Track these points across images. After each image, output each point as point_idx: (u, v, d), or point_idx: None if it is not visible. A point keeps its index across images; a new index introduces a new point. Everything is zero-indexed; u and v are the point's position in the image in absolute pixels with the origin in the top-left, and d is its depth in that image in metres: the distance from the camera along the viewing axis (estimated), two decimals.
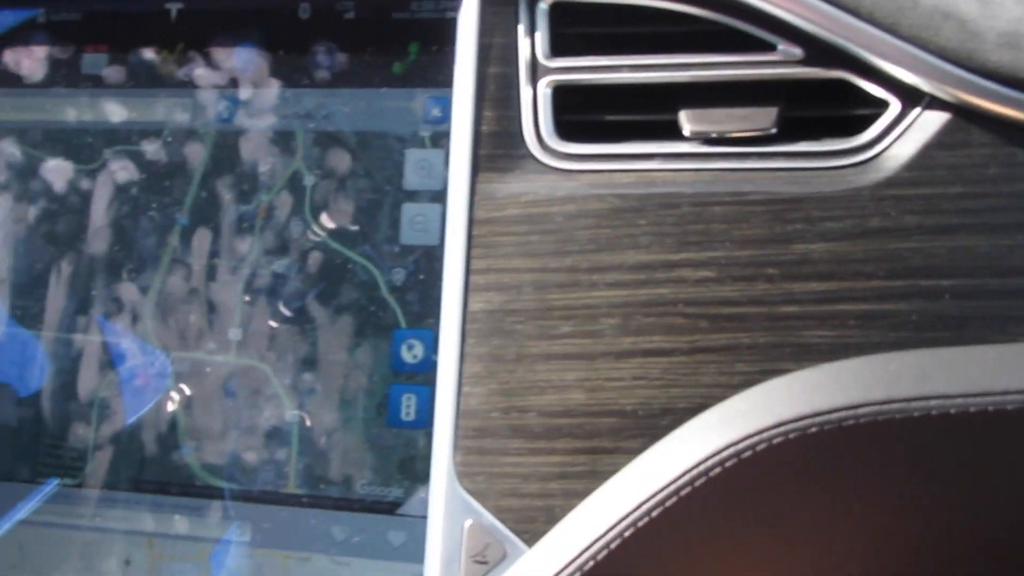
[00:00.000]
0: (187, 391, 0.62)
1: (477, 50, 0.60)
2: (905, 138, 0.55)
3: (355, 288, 0.60)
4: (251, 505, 0.60)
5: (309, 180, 0.62)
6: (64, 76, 0.66)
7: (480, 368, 0.57)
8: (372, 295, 0.60)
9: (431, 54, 0.61)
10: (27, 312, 0.64)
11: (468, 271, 0.58)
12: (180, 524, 0.61)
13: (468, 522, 0.56)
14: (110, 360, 0.63)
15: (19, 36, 0.67)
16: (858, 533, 0.55)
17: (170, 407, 0.62)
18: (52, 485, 0.63)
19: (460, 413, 0.56)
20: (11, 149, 0.66)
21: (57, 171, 0.65)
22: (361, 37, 0.62)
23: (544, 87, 0.59)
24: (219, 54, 0.64)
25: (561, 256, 0.57)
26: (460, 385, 0.57)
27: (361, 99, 0.62)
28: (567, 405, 0.56)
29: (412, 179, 0.61)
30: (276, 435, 0.60)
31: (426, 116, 0.61)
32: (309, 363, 0.61)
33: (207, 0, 0.65)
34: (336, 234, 0.61)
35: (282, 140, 0.62)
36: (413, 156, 0.61)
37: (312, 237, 0.61)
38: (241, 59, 0.64)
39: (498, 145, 0.59)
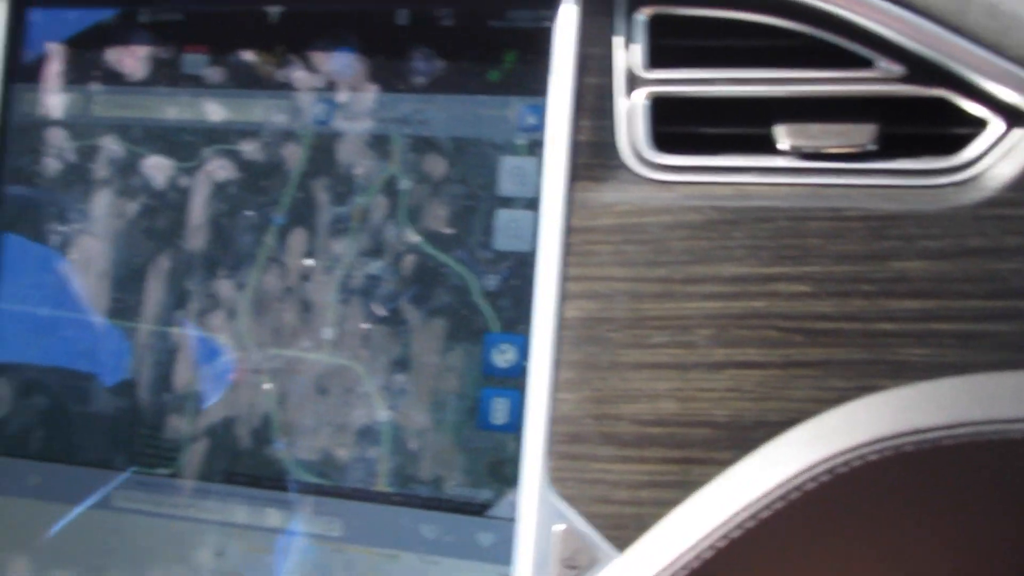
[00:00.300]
0: (280, 387, 0.63)
1: (573, 59, 0.61)
2: (1006, 158, 0.55)
3: (448, 292, 0.61)
4: (342, 501, 0.62)
5: (404, 184, 0.63)
6: (165, 75, 0.67)
7: (573, 375, 0.57)
8: (464, 299, 0.61)
9: (527, 62, 0.62)
10: (125, 305, 0.66)
11: (562, 278, 0.58)
12: (272, 517, 0.62)
13: (559, 527, 0.57)
14: (206, 354, 0.64)
15: (122, 35, 0.68)
16: (950, 554, 0.55)
17: (264, 403, 0.63)
18: (147, 474, 0.65)
19: (553, 418, 0.57)
20: (113, 146, 0.67)
21: (157, 168, 0.67)
22: (457, 44, 0.63)
23: (640, 98, 0.60)
24: (317, 57, 0.65)
25: (655, 266, 0.57)
26: (553, 391, 0.57)
27: (457, 105, 0.63)
28: (659, 414, 0.56)
29: (506, 186, 0.62)
30: (367, 433, 0.62)
31: (521, 124, 0.62)
32: (401, 364, 0.62)
33: (306, 4, 0.66)
34: (430, 238, 0.62)
35: (378, 144, 0.63)
36: (507, 163, 0.62)
37: (406, 240, 0.62)
38: (339, 63, 0.65)
39: (593, 154, 0.60)
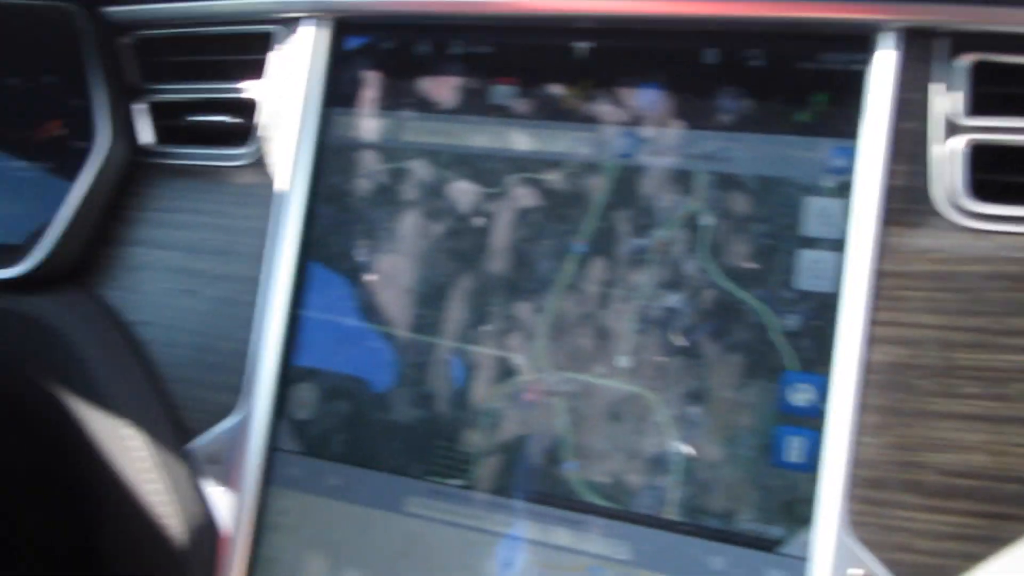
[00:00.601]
0: (573, 410, 0.65)
1: (889, 104, 0.61)
2: None
3: (746, 328, 0.62)
4: (631, 526, 0.63)
5: (706, 219, 0.64)
6: (472, 105, 0.71)
7: (877, 419, 0.57)
8: (762, 336, 0.62)
9: (836, 104, 0.62)
10: (427, 322, 0.69)
11: (870, 322, 0.58)
12: (561, 535, 0.64)
13: (856, 571, 0.56)
14: (502, 373, 0.67)
15: (432, 65, 0.72)
16: None
17: (556, 424, 0.65)
18: (440, 484, 0.68)
19: (855, 462, 0.57)
20: (422, 170, 0.71)
21: (462, 193, 0.70)
22: (766, 84, 0.64)
23: (959, 145, 0.59)
24: (623, 92, 0.67)
25: (970, 316, 0.57)
26: (855, 434, 0.57)
27: (762, 144, 0.64)
28: (968, 466, 0.55)
29: (810, 226, 0.62)
30: (658, 461, 0.63)
31: (828, 165, 0.62)
32: (695, 396, 0.63)
33: (615, 41, 0.68)
34: (730, 274, 0.63)
35: (681, 179, 0.65)
36: (812, 204, 0.62)
37: (705, 275, 0.63)
38: (644, 98, 0.67)
39: (907, 200, 0.60)
